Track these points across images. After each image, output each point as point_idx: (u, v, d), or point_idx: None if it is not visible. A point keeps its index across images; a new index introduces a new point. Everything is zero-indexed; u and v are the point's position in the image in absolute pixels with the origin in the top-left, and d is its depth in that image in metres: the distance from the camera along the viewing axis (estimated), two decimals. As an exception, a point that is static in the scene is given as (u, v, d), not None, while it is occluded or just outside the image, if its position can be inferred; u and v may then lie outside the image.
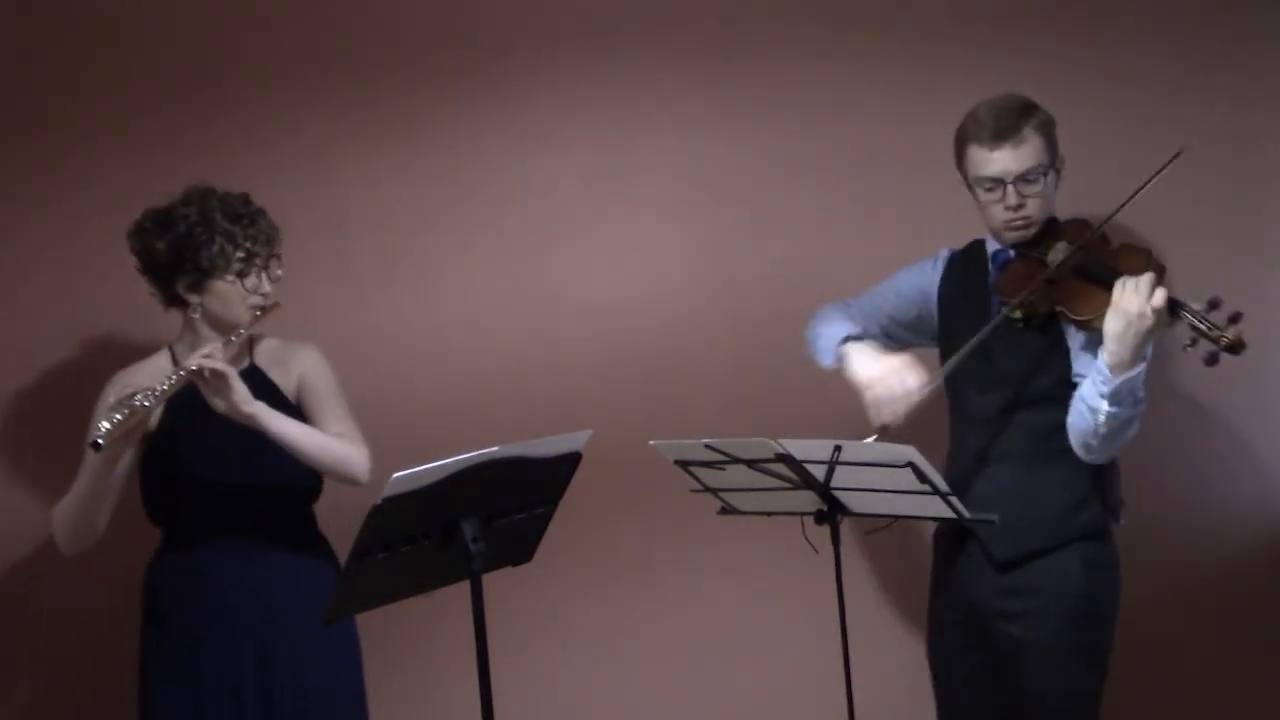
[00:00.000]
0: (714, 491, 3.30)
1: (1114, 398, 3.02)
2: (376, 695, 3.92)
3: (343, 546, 3.33)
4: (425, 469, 2.78)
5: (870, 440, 3.10)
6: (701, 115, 3.96)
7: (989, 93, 3.65)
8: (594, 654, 3.99)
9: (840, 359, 3.32)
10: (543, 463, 2.97)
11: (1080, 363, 3.19)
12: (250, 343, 3.42)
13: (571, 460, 3.02)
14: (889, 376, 3.19)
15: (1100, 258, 3.15)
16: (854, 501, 3.16)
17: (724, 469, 3.20)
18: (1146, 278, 2.99)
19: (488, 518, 2.91)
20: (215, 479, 3.29)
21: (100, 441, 3.07)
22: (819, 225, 3.90)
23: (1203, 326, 3.00)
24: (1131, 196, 3.13)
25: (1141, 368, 3.01)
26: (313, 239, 3.98)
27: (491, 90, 3.99)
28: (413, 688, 3.97)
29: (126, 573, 3.47)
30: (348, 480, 3.32)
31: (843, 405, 3.74)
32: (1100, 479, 3.26)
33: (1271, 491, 3.79)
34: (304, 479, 3.35)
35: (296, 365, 3.43)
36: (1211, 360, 3.01)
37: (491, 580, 2.90)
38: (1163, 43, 3.81)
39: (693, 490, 3.32)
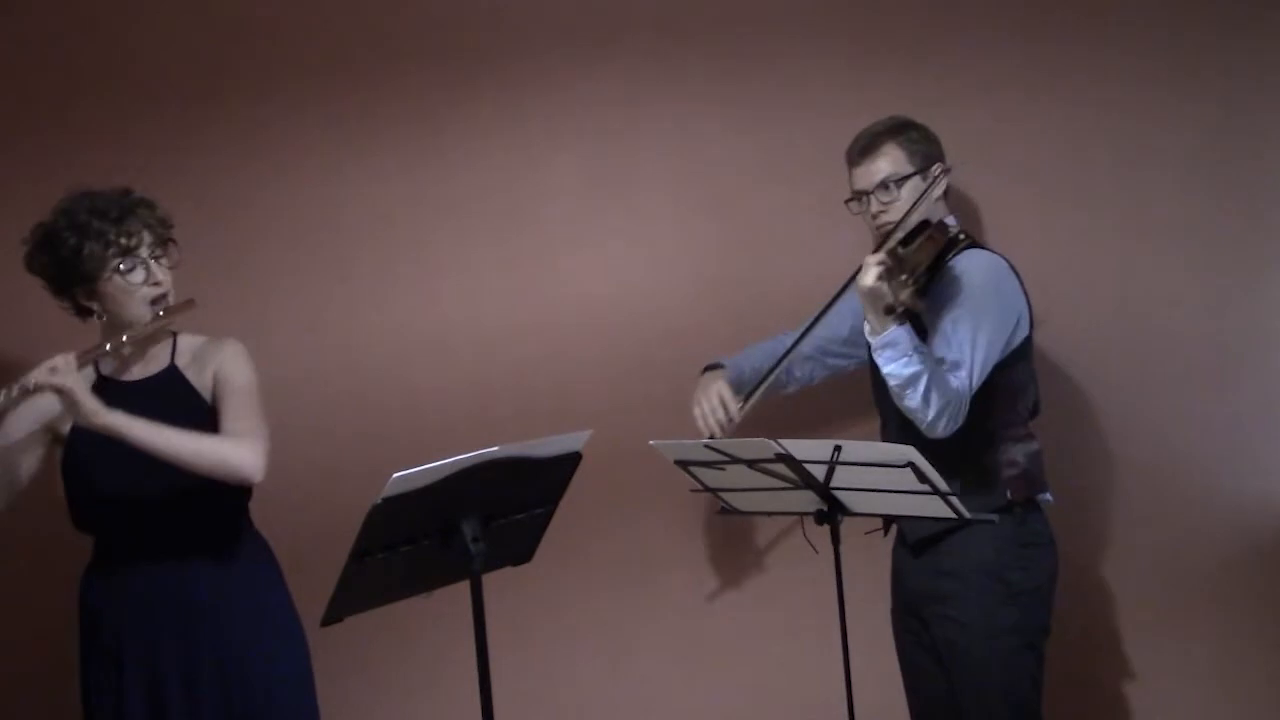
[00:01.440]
0: (714, 491, 3.30)
1: (880, 357, 3.21)
2: (376, 695, 3.93)
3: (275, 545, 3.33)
4: (425, 469, 2.78)
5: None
6: (701, 115, 3.96)
7: (989, 92, 3.66)
8: (594, 654, 3.99)
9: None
10: (543, 463, 2.96)
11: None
12: (174, 341, 3.31)
13: (571, 460, 3.02)
14: (706, 396, 3.48)
15: (941, 251, 3.32)
16: (854, 501, 3.16)
17: (724, 469, 3.20)
18: (870, 258, 3.20)
19: (488, 518, 2.91)
20: (126, 480, 3.16)
21: None
22: (819, 225, 3.90)
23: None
24: (912, 207, 3.32)
25: (891, 331, 3.19)
26: (313, 239, 3.99)
27: (492, 91, 3.99)
28: (413, 687, 3.96)
29: (68, 586, 3.36)
30: (235, 480, 3.16)
31: (843, 405, 3.75)
32: (997, 455, 3.33)
33: (1274, 490, 3.78)
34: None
35: (213, 362, 3.27)
36: (901, 319, 3.21)
37: (491, 580, 2.91)
38: (1162, 42, 3.81)
39: (693, 490, 3.32)
